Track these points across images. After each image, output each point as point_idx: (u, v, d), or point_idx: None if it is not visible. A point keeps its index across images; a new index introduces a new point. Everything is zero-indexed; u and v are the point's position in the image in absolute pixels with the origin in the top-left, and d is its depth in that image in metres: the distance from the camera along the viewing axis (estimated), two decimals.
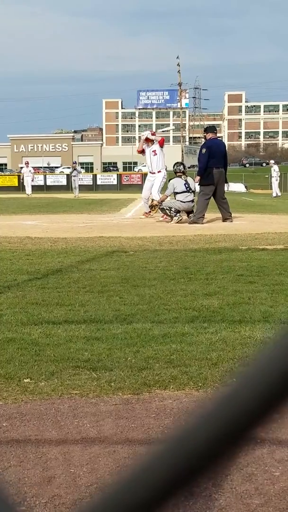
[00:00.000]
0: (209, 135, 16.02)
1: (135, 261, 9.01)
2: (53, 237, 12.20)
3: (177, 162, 17.04)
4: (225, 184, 16.42)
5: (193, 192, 16.25)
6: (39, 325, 5.35)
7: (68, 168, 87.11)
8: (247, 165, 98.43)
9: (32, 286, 7.14)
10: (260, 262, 8.75)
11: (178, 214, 15.90)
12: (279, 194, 41.62)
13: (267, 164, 46.92)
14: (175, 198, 16.12)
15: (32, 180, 43.35)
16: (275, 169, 42.89)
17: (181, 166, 16.60)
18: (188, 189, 16.07)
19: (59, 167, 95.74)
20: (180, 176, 16.33)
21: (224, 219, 15.91)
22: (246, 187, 59.01)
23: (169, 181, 16.78)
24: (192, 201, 16.09)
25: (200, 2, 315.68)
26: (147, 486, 0.47)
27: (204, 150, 15.73)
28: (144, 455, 0.48)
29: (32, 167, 46.43)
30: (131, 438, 3.26)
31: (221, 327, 5.20)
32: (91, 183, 61.52)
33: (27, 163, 44.85)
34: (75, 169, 41.62)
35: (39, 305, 6.12)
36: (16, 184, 62.43)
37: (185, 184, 16.09)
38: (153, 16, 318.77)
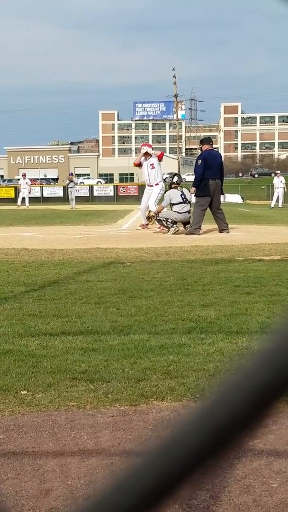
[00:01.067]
0: (205, 147, 16.06)
1: (132, 272, 9.01)
2: (50, 248, 12.19)
3: (171, 173, 17.09)
4: (221, 196, 16.47)
5: (189, 203, 16.31)
6: (36, 336, 5.34)
7: (89, 178, 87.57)
8: (256, 175, 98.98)
9: (29, 297, 7.14)
10: (257, 273, 8.75)
11: (174, 225, 15.93)
12: (280, 205, 41.01)
13: (275, 174, 46.36)
14: (171, 209, 16.16)
15: (30, 192, 43.44)
16: (282, 180, 42.23)
17: (176, 177, 16.65)
18: (184, 200, 16.11)
19: (57, 179, 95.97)
20: (176, 188, 16.39)
21: (221, 230, 15.93)
22: (242, 198, 59.10)
23: (165, 192, 16.84)
24: (189, 212, 16.13)
25: (196, 14, 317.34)
26: (134, 494, 0.47)
27: (200, 161, 15.77)
28: (123, 469, 0.48)
29: (29, 178, 46.60)
30: (129, 450, 3.25)
31: (218, 338, 5.20)
32: (88, 195, 61.54)
33: (24, 175, 45.02)
34: (71, 181, 41.69)
35: (36, 317, 6.11)
36: (13, 196, 62.39)
37: (181, 195, 16.15)
38: (149, 28, 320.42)
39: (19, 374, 4.36)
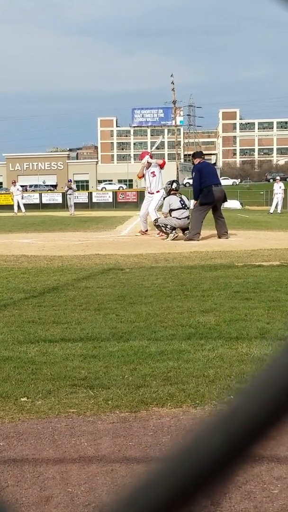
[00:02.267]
0: (197, 160, 16.38)
1: (131, 278, 9.01)
2: (49, 255, 12.19)
3: (170, 181, 17.20)
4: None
5: (188, 208, 16.37)
6: (35, 343, 5.34)
7: (111, 183, 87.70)
8: (271, 180, 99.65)
9: (28, 304, 7.13)
10: (256, 278, 8.75)
11: (173, 231, 15.96)
12: (279, 211, 41.00)
13: (274, 180, 46.31)
14: (170, 215, 16.20)
15: (22, 198, 43.65)
16: (281, 186, 42.30)
17: (174, 184, 16.74)
18: (183, 205, 16.19)
19: (56, 185, 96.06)
20: (174, 194, 16.46)
21: (220, 236, 15.99)
22: (241, 203, 59.14)
23: (164, 199, 16.90)
24: (188, 217, 16.19)
25: (194, 21, 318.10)
26: (146, 506, 0.47)
27: (194, 173, 16.00)
28: (142, 474, 0.48)
29: (25, 185, 46.94)
30: (129, 457, 3.25)
31: (218, 344, 5.20)
32: (87, 201, 61.59)
33: (13, 182, 45.35)
34: (70, 188, 41.80)
35: (35, 324, 6.10)
36: (12, 203, 62.44)
37: (180, 201, 16.26)
38: (147, 35, 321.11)
39: (19, 381, 4.36)
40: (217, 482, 0.48)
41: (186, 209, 16.24)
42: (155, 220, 16.73)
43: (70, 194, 41.27)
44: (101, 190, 67.79)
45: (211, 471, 0.48)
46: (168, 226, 16.01)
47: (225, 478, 0.48)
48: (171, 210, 16.17)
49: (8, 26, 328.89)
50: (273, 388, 0.48)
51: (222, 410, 0.49)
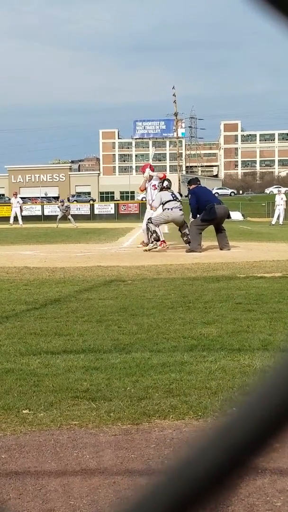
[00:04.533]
0: (192, 186, 16.85)
1: (133, 290, 9.00)
2: (51, 266, 12.20)
3: (163, 180, 17.59)
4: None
5: (180, 202, 16.79)
6: (37, 355, 5.33)
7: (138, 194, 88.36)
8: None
9: (31, 316, 7.13)
10: (258, 290, 8.74)
11: (155, 243, 16.13)
12: (281, 222, 40.98)
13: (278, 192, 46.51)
14: (163, 210, 16.47)
15: (21, 210, 43.97)
16: (282, 197, 42.38)
17: (166, 182, 17.21)
18: (174, 198, 16.67)
19: (58, 197, 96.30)
20: (166, 190, 16.95)
21: (222, 248, 16.07)
22: (243, 215, 59.17)
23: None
24: (181, 209, 16.41)
25: (196, 35, 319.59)
26: None
27: (190, 196, 16.61)
28: (144, 487, 0.48)
29: (27, 197, 47.35)
30: (131, 469, 3.24)
31: (220, 356, 5.19)
32: (89, 213, 61.66)
33: (15, 194, 45.86)
34: (64, 205, 42.29)
35: (37, 335, 6.10)
36: (14, 215, 62.53)
37: (171, 194, 16.78)
38: (150, 48, 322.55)
39: (21, 393, 4.35)
40: (216, 494, 0.48)
41: (178, 201, 16.60)
42: (148, 219, 16.87)
43: (65, 210, 41.75)
44: (136, 200, 68.26)
45: (212, 483, 0.48)
46: (154, 236, 16.15)
47: (224, 490, 0.48)
48: (163, 204, 16.45)
49: (11, 42, 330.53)
50: (274, 400, 0.48)
51: (223, 421, 0.49)
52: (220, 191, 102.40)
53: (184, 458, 0.48)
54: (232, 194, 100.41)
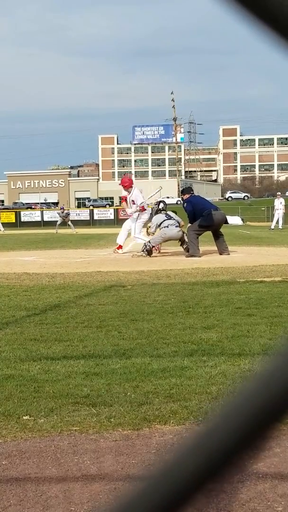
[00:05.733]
0: (186, 196, 16.82)
1: (133, 295, 9.00)
2: (51, 272, 12.20)
3: (157, 201, 17.85)
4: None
5: (175, 220, 16.64)
6: (37, 361, 5.33)
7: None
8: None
9: (30, 322, 7.13)
10: (258, 294, 8.74)
11: (145, 253, 15.96)
12: (280, 227, 40.99)
13: (275, 195, 46.69)
14: (160, 229, 16.53)
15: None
16: (281, 202, 42.47)
17: (161, 204, 17.31)
18: (168, 218, 16.61)
19: (57, 203, 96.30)
20: (160, 212, 16.96)
21: (221, 252, 16.09)
22: (242, 219, 59.19)
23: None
24: (177, 226, 16.34)
25: (195, 41, 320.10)
26: None
27: (186, 204, 16.55)
28: (123, 493, 0.48)
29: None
30: (132, 475, 3.23)
31: (221, 361, 5.19)
32: (88, 218, 61.71)
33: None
34: (63, 212, 42.79)
35: (37, 341, 6.10)
36: (14, 221, 62.73)
37: (165, 215, 16.73)
38: (148, 54, 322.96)
39: (21, 399, 4.35)
40: (205, 496, 0.48)
41: (173, 220, 16.48)
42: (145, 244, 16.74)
43: (65, 216, 42.19)
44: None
45: (197, 485, 0.48)
46: (147, 247, 16.03)
47: (213, 493, 0.48)
48: (159, 226, 16.47)
49: (10, 48, 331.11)
50: (257, 402, 0.48)
51: (207, 425, 0.49)
52: (233, 195, 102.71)
53: (168, 462, 0.48)
54: (246, 197, 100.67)
